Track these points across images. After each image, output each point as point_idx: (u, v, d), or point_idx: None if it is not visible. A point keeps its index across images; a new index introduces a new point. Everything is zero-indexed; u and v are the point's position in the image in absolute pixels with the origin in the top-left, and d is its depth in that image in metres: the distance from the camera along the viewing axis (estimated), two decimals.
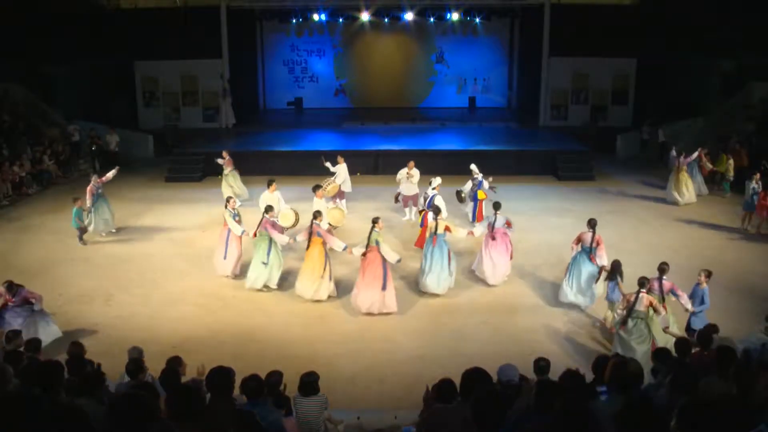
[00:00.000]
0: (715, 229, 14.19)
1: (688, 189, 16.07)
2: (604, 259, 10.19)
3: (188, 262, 12.56)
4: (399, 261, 10.49)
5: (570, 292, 10.37)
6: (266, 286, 11.14)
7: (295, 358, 8.59)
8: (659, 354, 6.18)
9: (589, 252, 10.31)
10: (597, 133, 22.35)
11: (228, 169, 16.44)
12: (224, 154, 16.66)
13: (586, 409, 3.58)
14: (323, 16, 25.12)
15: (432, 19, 25.63)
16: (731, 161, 16.91)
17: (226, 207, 11.72)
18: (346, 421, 6.79)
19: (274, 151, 19.92)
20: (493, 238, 11.14)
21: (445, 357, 8.75)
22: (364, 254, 10.22)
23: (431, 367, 8.17)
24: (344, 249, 10.47)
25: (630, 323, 8.39)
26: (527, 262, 12.38)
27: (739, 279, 11.38)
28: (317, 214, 10.76)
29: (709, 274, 8.83)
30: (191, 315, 10.35)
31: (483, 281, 11.36)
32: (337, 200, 15.01)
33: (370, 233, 10.21)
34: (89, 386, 4.76)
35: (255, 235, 11.13)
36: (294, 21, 26.01)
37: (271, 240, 11.01)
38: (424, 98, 28.26)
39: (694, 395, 4.40)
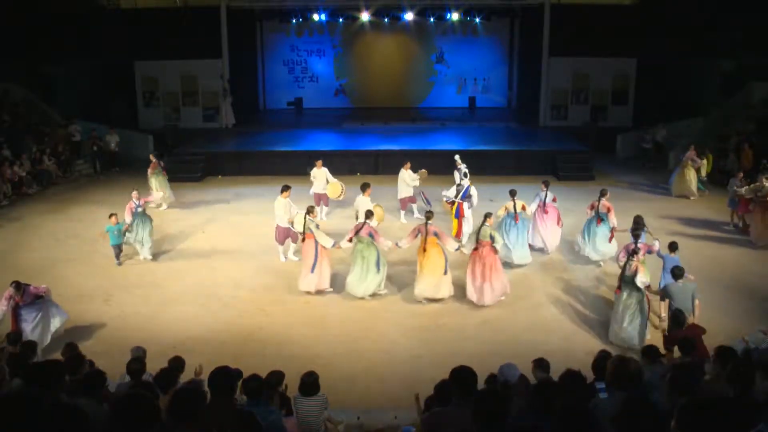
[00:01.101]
0: (714, 229, 14.18)
1: (691, 184, 16.63)
2: (614, 221, 11.72)
3: (188, 262, 12.56)
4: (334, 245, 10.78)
5: (585, 248, 11.89)
6: (375, 294, 10.78)
7: (295, 358, 8.59)
8: (649, 351, 6.15)
9: (598, 216, 11.84)
10: (597, 133, 22.34)
11: (152, 171, 16.07)
12: (151, 157, 16.57)
13: (586, 409, 3.58)
14: (323, 16, 25.12)
15: (432, 19, 25.64)
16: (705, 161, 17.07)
17: (306, 216, 10.89)
18: (346, 421, 6.80)
19: (274, 151, 19.92)
20: (546, 212, 12.37)
21: (445, 357, 8.73)
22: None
23: (431, 367, 8.16)
24: (333, 245, 10.72)
25: (624, 294, 9.00)
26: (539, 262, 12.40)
27: (738, 279, 11.38)
28: (369, 214, 10.79)
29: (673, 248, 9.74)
30: (191, 315, 10.35)
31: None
32: (321, 206, 14.82)
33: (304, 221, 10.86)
34: (90, 386, 4.76)
35: (349, 240, 10.74)
36: (294, 21, 26.02)
37: (376, 246, 10.63)
38: (424, 98, 28.26)
39: (694, 395, 4.40)
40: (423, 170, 14.62)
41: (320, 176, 14.88)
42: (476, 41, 27.45)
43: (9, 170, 16.97)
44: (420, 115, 25.91)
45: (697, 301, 8.60)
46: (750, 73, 20.67)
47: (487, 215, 10.51)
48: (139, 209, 12.56)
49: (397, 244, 10.70)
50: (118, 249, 12.41)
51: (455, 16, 25.04)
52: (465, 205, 12.88)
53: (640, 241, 9.73)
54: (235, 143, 21.94)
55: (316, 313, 10.40)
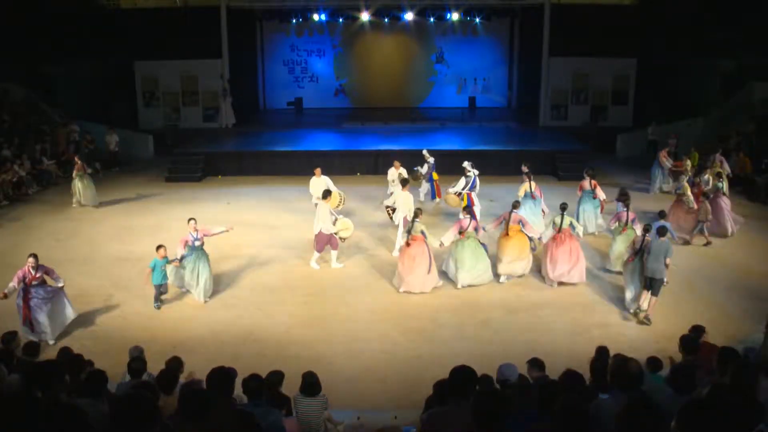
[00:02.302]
0: (714, 229, 14.16)
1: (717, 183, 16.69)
2: (602, 195, 13.51)
3: None
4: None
5: (581, 229, 11.94)
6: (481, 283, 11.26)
7: (295, 358, 8.59)
8: (652, 362, 6.22)
9: (590, 193, 13.45)
10: (597, 133, 22.34)
11: (76, 172, 16.06)
12: (76, 159, 16.67)
13: (586, 409, 3.58)
14: (323, 16, 25.13)
15: (432, 19, 25.65)
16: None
17: (414, 220, 11.03)
18: (346, 421, 6.79)
19: (274, 151, 19.93)
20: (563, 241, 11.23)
21: (445, 357, 8.72)
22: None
23: (431, 367, 8.16)
24: (440, 245, 11.09)
25: (637, 260, 10.04)
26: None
27: (739, 279, 11.38)
28: (418, 212, 11.29)
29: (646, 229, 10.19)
30: (191, 315, 10.34)
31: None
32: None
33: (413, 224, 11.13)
34: (91, 386, 4.76)
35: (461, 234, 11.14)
36: (294, 21, 26.05)
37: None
38: (424, 98, 28.28)
39: (694, 395, 4.40)
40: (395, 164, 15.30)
41: (319, 186, 13.86)
42: (476, 41, 27.46)
43: (10, 170, 16.97)
44: (420, 115, 25.93)
45: (668, 260, 9.70)
46: (750, 73, 20.68)
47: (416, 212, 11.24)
48: (197, 242, 10.61)
49: (483, 228, 11.52)
50: (162, 290, 10.47)
51: (455, 16, 25.05)
52: (473, 194, 13.85)
53: (622, 209, 11.56)
54: (235, 143, 21.94)
55: (316, 313, 10.39)
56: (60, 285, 9.56)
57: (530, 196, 13.46)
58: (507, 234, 11.26)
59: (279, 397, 6.08)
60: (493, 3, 24.73)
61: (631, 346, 8.91)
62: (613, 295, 10.90)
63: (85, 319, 10.09)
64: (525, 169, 14.03)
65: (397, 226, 12.64)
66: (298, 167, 18.19)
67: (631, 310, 10.09)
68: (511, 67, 28.09)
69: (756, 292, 10.77)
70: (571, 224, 11.33)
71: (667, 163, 16.93)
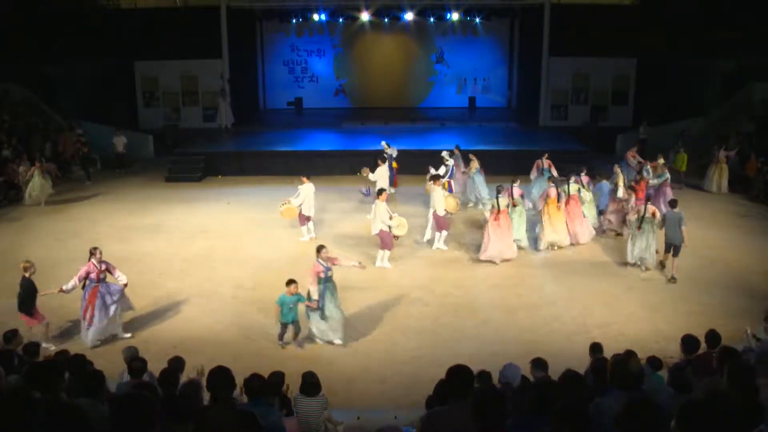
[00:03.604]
0: (715, 230, 14.18)
1: (722, 179, 17.23)
2: (555, 172, 15.19)
3: (188, 262, 12.55)
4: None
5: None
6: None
7: (296, 358, 8.59)
8: (653, 361, 6.23)
9: (545, 171, 15.08)
10: (597, 133, 22.34)
11: (39, 170, 16.27)
12: (37, 156, 16.91)
13: (586, 409, 3.58)
14: (323, 16, 25.13)
15: (432, 19, 25.65)
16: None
17: (497, 196, 12.26)
18: (346, 421, 6.79)
19: (274, 151, 19.93)
20: (567, 204, 12.94)
21: (444, 357, 8.72)
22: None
23: (431, 367, 8.16)
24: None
25: (645, 227, 11.64)
26: (527, 261, 12.40)
27: (739, 279, 11.38)
28: (500, 188, 12.57)
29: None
30: (191, 315, 10.35)
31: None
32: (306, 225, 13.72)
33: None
34: (90, 386, 4.76)
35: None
36: (294, 21, 26.04)
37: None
38: (424, 98, 28.27)
39: (694, 395, 4.40)
40: (365, 168, 15.88)
41: (303, 192, 13.33)
42: (476, 41, 27.45)
43: (11, 170, 16.97)
44: (420, 115, 25.92)
45: (684, 228, 11.24)
46: (750, 73, 20.68)
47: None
48: (329, 273, 9.20)
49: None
50: (288, 329, 9.22)
51: (455, 16, 25.04)
52: (452, 182, 15.36)
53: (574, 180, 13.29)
54: (235, 143, 21.94)
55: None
56: (123, 283, 9.47)
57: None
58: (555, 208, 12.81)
59: (280, 397, 6.08)
60: (493, 3, 24.72)
61: (631, 346, 8.85)
62: (613, 295, 10.91)
63: None
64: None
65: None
66: (298, 167, 18.15)
67: (646, 269, 11.80)
68: (511, 67, 28.08)
69: (756, 292, 10.77)
70: (578, 191, 13.13)
71: (633, 161, 16.95)
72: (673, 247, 11.38)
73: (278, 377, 6.19)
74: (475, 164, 15.87)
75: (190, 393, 4.84)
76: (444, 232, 12.97)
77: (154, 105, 24.38)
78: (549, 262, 12.43)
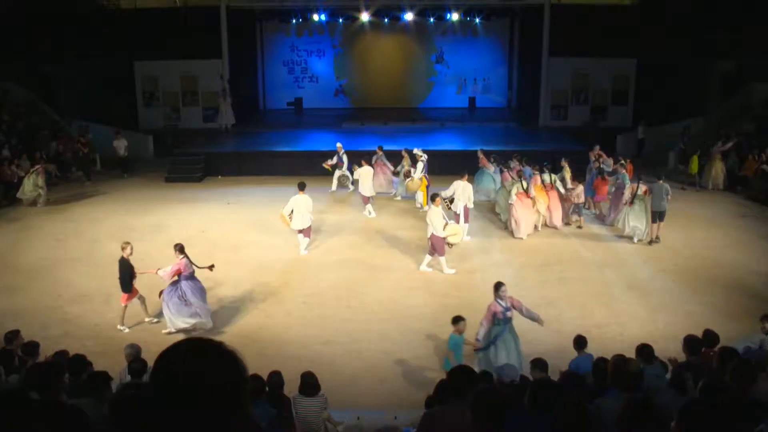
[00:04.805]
0: (715, 230, 14.18)
1: (717, 176, 17.39)
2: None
3: None
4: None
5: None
6: None
7: (295, 358, 8.60)
8: (643, 351, 6.20)
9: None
10: (597, 133, 22.31)
11: (40, 169, 16.43)
12: (38, 156, 17.13)
13: (586, 409, 3.58)
14: (323, 17, 25.11)
15: (432, 20, 25.63)
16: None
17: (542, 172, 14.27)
18: (346, 421, 6.79)
19: (274, 151, 19.93)
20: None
21: (444, 357, 8.73)
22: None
23: (431, 367, 8.17)
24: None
25: (636, 203, 13.24)
26: (527, 262, 12.40)
27: (739, 279, 11.38)
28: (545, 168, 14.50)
29: None
30: None
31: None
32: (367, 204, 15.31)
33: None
34: (94, 387, 4.76)
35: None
36: (294, 21, 26.02)
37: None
38: (424, 98, 28.24)
39: (694, 395, 4.40)
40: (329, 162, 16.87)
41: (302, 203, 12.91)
42: (476, 41, 27.42)
43: (8, 170, 16.96)
44: (420, 116, 25.91)
45: (669, 196, 12.99)
46: (750, 73, 20.66)
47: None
48: (508, 314, 8.27)
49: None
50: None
51: (455, 17, 25.01)
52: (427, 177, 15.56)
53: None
54: (234, 143, 21.94)
55: (316, 313, 10.39)
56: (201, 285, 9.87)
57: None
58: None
59: (280, 398, 6.08)
60: (492, 3, 24.70)
61: (630, 346, 8.89)
62: (613, 295, 10.91)
63: (85, 319, 10.10)
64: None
65: (458, 214, 13.13)
66: (298, 167, 18.17)
67: (635, 240, 13.26)
68: (510, 68, 28.06)
69: (756, 292, 10.78)
70: (554, 180, 14.20)
71: (603, 160, 16.95)
72: (659, 214, 13.00)
73: (276, 377, 6.20)
74: (407, 161, 16.30)
75: None
76: (441, 258, 11.82)
77: (154, 105, 24.36)
78: (549, 262, 12.43)
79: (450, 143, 20.38)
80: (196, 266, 9.83)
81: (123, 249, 9.92)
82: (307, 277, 11.84)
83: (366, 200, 15.24)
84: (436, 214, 11.57)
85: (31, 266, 12.20)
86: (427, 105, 27.95)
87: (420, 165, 15.39)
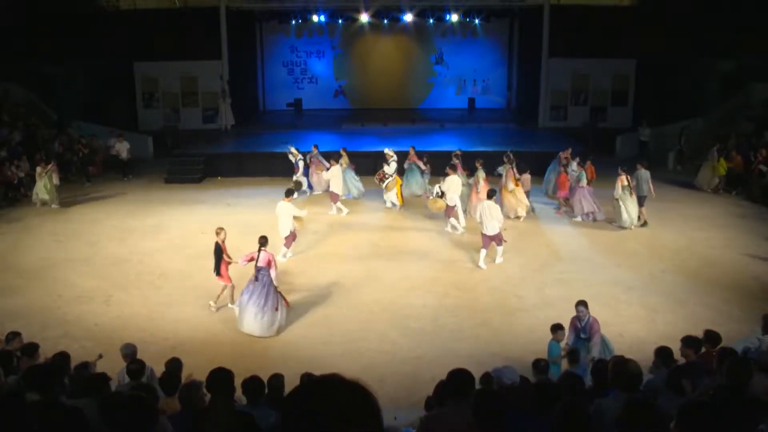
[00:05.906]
0: (715, 230, 14.18)
1: (713, 178, 17.42)
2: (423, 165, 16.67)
3: (188, 262, 12.54)
4: None
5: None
6: None
7: (296, 359, 8.59)
8: (662, 352, 6.19)
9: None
10: (596, 134, 22.33)
11: (53, 170, 16.43)
12: (40, 158, 17.00)
13: (586, 409, 3.58)
14: (323, 18, 25.10)
15: (431, 20, 25.60)
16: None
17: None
18: None
19: (273, 152, 19.91)
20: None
21: (444, 357, 8.73)
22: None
23: (431, 367, 8.17)
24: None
25: (626, 195, 13.94)
26: (527, 262, 12.40)
27: (739, 280, 11.38)
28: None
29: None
30: (191, 315, 10.35)
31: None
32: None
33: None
34: (93, 388, 4.76)
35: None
36: (293, 22, 26.01)
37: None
38: (424, 99, 28.23)
39: (694, 395, 4.40)
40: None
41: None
42: (476, 42, 27.41)
43: (8, 171, 16.96)
44: (419, 116, 25.89)
45: (650, 182, 14.25)
46: (750, 73, 20.66)
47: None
48: (583, 335, 8.08)
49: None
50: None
51: (454, 17, 24.99)
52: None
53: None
54: (234, 144, 21.93)
55: (316, 313, 10.39)
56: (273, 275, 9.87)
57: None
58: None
59: (280, 400, 6.07)
60: (492, 4, 24.68)
61: (630, 346, 8.92)
62: (613, 295, 10.91)
63: (85, 320, 10.09)
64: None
65: (454, 206, 13.85)
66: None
67: (632, 227, 14.01)
68: (510, 68, 28.05)
69: (756, 292, 10.78)
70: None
71: (568, 162, 16.99)
72: (642, 198, 14.21)
73: (278, 379, 6.18)
74: (345, 160, 16.39)
75: (189, 394, 4.84)
76: (499, 248, 12.23)
77: (154, 106, 24.34)
78: (548, 262, 12.43)
79: (450, 144, 20.33)
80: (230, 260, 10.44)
81: (217, 234, 10.40)
82: (307, 277, 11.84)
83: (335, 198, 15.43)
84: (495, 208, 11.98)
85: (31, 267, 12.20)
86: (426, 106, 27.94)
87: (393, 165, 15.84)
